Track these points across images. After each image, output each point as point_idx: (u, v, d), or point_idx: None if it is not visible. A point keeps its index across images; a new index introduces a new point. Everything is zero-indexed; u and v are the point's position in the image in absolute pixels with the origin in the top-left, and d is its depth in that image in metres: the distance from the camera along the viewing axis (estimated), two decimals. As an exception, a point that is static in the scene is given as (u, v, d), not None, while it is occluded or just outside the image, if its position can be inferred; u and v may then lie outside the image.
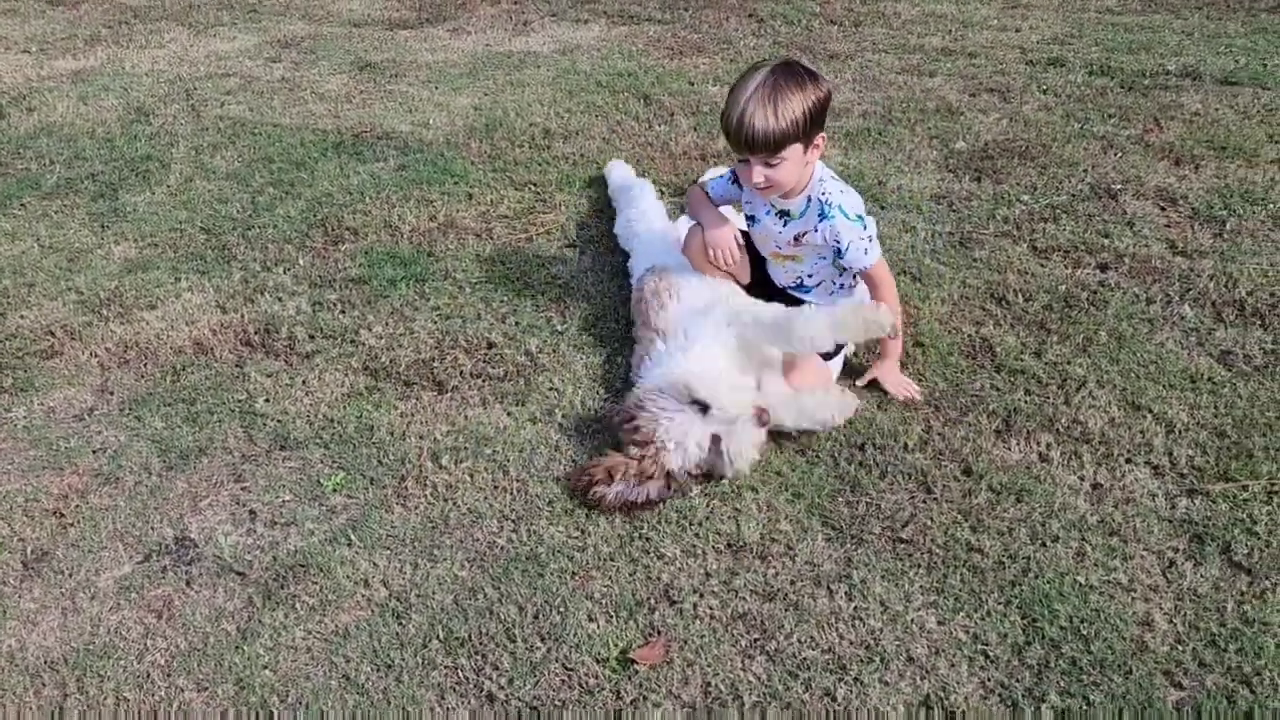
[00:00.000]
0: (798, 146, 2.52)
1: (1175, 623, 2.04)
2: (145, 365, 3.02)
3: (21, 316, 3.27)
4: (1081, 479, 2.43)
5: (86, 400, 2.89)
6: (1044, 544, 2.24)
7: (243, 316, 3.23)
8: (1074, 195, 3.77)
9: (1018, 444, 2.55)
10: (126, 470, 2.61)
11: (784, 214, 2.73)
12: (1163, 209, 3.65)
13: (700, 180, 3.11)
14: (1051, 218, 3.61)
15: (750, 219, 2.86)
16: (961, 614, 2.09)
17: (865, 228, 2.65)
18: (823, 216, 2.64)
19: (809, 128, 2.50)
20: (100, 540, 2.39)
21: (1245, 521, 2.26)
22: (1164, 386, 2.72)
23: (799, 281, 2.87)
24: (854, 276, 2.82)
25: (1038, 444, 2.54)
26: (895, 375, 2.78)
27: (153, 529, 2.42)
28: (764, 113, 2.44)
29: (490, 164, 4.24)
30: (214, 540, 2.37)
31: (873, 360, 2.84)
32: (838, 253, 2.67)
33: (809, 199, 2.66)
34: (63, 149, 4.54)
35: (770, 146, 2.49)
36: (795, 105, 2.45)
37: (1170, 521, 2.29)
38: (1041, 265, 3.32)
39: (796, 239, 2.73)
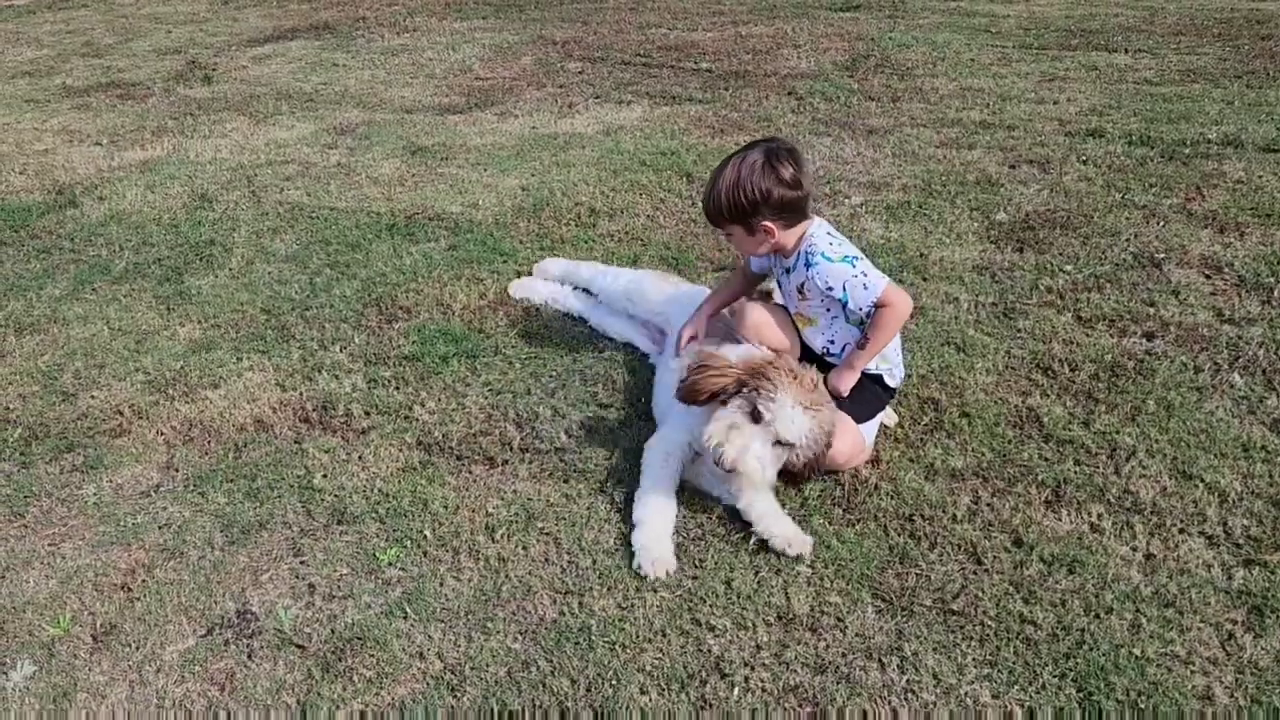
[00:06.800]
0: (738, 227, 2.78)
1: (1236, 696, 2.01)
2: (209, 442, 3.12)
3: (92, 397, 3.41)
4: (1134, 550, 2.41)
5: (153, 477, 2.99)
6: (1098, 616, 2.23)
7: (301, 394, 3.33)
8: (1117, 265, 3.78)
9: (1068, 514, 2.54)
10: (190, 545, 2.69)
11: (788, 270, 2.90)
12: (1208, 277, 3.65)
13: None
14: (1095, 287, 3.62)
15: (778, 282, 3.07)
16: (1016, 687, 2.08)
17: (854, 265, 2.72)
18: (809, 265, 2.76)
19: (739, 216, 2.74)
20: (166, 614, 2.46)
21: (1305, 592, 2.23)
22: (1215, 455, 2.70)
23: (826, 349, 2.93)
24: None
25: (1089, 514, 2.53)
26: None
27: (216, 603, 2.49)
28: (710, 191, 2.79)
29: (538, 242, 4.36)
30: (274, 614, 2.43)
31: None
32: (843, 303, 2.75)
33: (799, 254, 2.81)
34: (131, 235, 4.75)
35: (710, 220, 2.87)
36: (727, 194, 2.72)
37: (1227, 593, 2.26)
38: (1087, 335, 3.33)
39: (800, 290, 2.85)
